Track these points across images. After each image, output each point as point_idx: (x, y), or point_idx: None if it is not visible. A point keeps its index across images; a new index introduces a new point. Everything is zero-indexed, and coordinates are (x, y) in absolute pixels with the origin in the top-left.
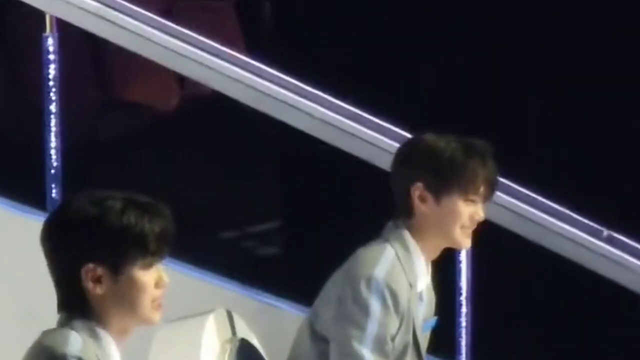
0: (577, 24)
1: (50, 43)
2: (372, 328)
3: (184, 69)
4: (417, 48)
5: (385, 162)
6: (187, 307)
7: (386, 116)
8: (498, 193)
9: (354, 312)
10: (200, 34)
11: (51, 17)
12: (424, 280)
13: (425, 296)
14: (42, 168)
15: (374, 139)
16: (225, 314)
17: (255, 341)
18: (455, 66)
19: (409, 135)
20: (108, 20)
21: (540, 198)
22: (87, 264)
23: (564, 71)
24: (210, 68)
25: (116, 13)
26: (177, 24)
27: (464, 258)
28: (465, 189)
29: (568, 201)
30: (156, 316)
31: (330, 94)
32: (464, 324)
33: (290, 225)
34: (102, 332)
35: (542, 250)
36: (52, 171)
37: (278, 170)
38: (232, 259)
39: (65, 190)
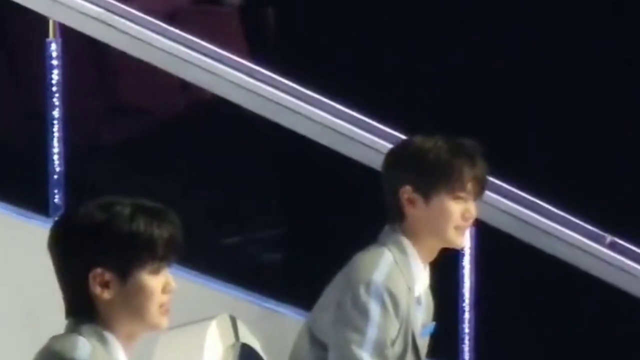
0: (578, 25)
1: (53, 48)
2: (372, 332)
3: (187, 74)
4: (418, 52)
5: None
6: (190, 313)
7: (387, 120)
8: (501, 198)
9: (354, 316)
10: (203, 39)
11: (54, 22)
12: (422, 284)
13: (423, 300)
14: (44, 173)
15: (375, 143)
16: (228, 320)
17: (258, 346)
18: (455, 70)
19: None
20: (111, 26)
21: (543, 204)
22: (95, 269)
23: (565, 74)
24: (212, 73)
25: (119, 18)
26: (180, 29)
27: (467, 264)
28: (452, 187)
29: (571, 207)
30: (164, 321)
31: (331, 99)
32: (467, 330)
33: (291, 231)
34: (110, 337)
35: (545, 256)
36: (55, 177)
37: (280, 175)
38: (234, 265)
39: (67, 195)
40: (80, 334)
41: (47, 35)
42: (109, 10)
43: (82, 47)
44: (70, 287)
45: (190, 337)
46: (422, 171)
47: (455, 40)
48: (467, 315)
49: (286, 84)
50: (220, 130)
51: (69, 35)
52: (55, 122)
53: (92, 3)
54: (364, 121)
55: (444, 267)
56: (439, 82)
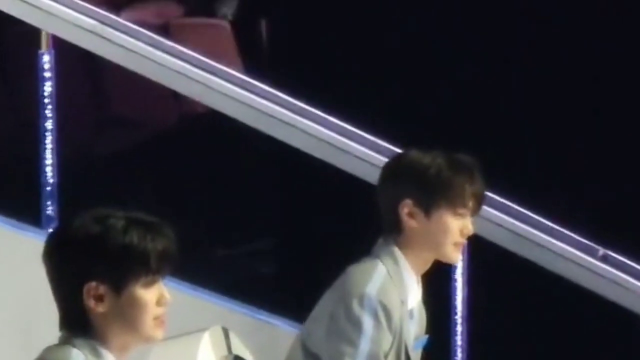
0: (575, 31)
1: (46, 60)
2: (364, 345)
3: (180, 86)
4: (412, 64)
5: None
6: (182, 325)
7: (381, 133)
8: (494, 211)
9: (347, 329)
10: (196, 51)
11: (47, 34)
12: (414, 297)
13: (416, 313)
14: (37, 185)
15: (369, 156)
16: (221, 331)
17: (250, 358)
18: (449, 82)
19: None
20: (104, 38)
21: (536, 216)
22: (89, 282)
23: (560, 87)
24: (206, 86)
25: (112, 30)
26: (173, 42)
27: (459, 276)
28: (454, 203)
29: (564, 220)
30: (158, 334)
31: (326, 112)
32: (459, 342)
33: (284, 243)
34: (103, 350)
35: (537, 268)
36: (48, 188)
37: (273, 188)
38: (227, 277)
39: (61, 207)
40: (74, 346)
41: (40, 47)
42: (102, 23)
43: (75, 59)
44: (64, 299)
45: (182, 349)
46: (423, 186)
47: (449, 54)
48: (459, 328)
49: (279, 97)
50: (213, 143)
51: (62, 47)
52: (48, 133)
53: (85, 15)
54: (358, 134)
55: (437, 279)
56: (433, 95)
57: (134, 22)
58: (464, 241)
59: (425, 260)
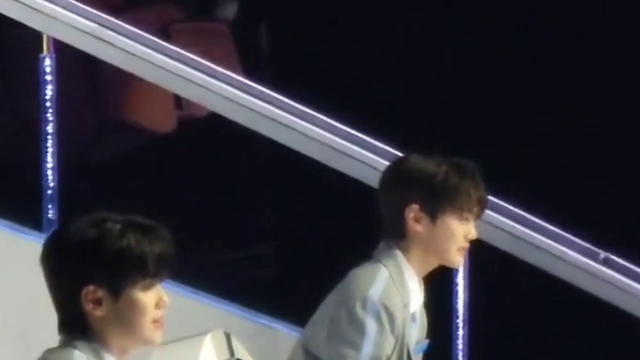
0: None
1: (47, 64)
2: (367, 348)
3: (181, 89)
4: (413, 65)
5: None
6: (184, 328)
7: (382, 137)
8: (495, 215)
9: (350, 332)
10: (196, 54)
11: (48, 37)
12: (417, 300)
13: (418, 317)
14: (38, 188)
15: (370, 159)
16: (222, 335)
17: None
18: (449, 86)
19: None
20: (105, 41)
21: (537, 220)
22: (87, 286)
23: (560, 90)
24: (206, 89)
25: (113, 34)
26: (173, 45)
27: (460, 280)
28: (460, 209)
29: (565, 223)
30: (157, 336)
31: (326, 115)
32: (460, 346)
33: (285, 247)
34: (104, 352)
35: (539, 272)
36: (49, 192)
37: (274, 192)
38: (228, 281)
39: (61, 210)
40: (75, 348)
41: (41, 51)
42: (103, 26)
43: (76, 63)
44: (62, 303)
45: (184, 352)
46: (431, 191)
47: (448, 55)
48: (460, 332)
49: (279, 99)
50: (214, 146)
51: (63, 50)
52: (49, 137)
53: (86, 18)
54: (358, 137)
55: (438, 283)
56: (433, 97)
57: (134, 25)
58: (467, 245)
59: (428, 265)
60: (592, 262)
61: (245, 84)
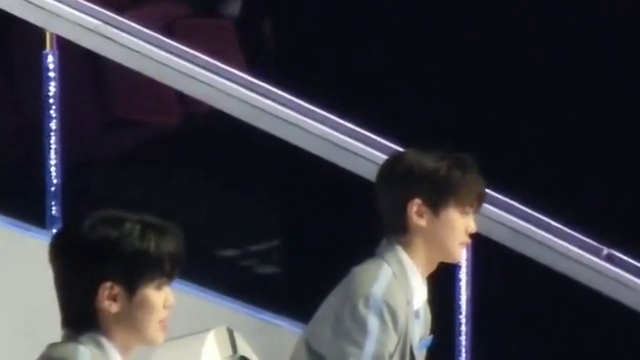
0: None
1: (50, 60)
2: (370, 346)
3: (184, 86)
4: (415, 62)
5: None
6: (187, 325)
7: (385, 133)
8: (498, 211)
9: (352, 329)
10: (200, 51)
11: (51, 34)
12: (420, 297)
13: (421, 314)
14: (42, 185)
15: (374, 156)
16: (225, 332)
17: (255, 359)
18: (449, 81)
19: None
20: (108, 38)
21: (539, 216)
22: (105, 283)
23: (561, 85)
24: (209, 85)
25: (116, 30)
26: (177, 42)
27: (463, 276)
28: (462, 203)
29: (568, 219)
30: (161, 337)
31: (329, 111)
32: (464, 342)
33: (289, 244)
34: (108, 346)
35: (542, 268)
36: (52, 189)
37: (277, 188)
38: (232, 277)
39: (65, 208)
40: (80, 343)
41: (44, 47)
42: (106, 23)
43: (79, 60)
44: (74, 299)
45: (187, 349)
46: (434, 186)
47: (449, 51)
48: (463, 328)
49: (283, 96)
50: (217, 143)
51: (66, 47)
52: (52, 134)
53: (89, 15)
54: (362, 133)
55: (441, 279)
56: (435, 93)
57: (138, 22)
58: (469, 240)
59: (430, 261)
60: (595, 258)
61: (249, 81)
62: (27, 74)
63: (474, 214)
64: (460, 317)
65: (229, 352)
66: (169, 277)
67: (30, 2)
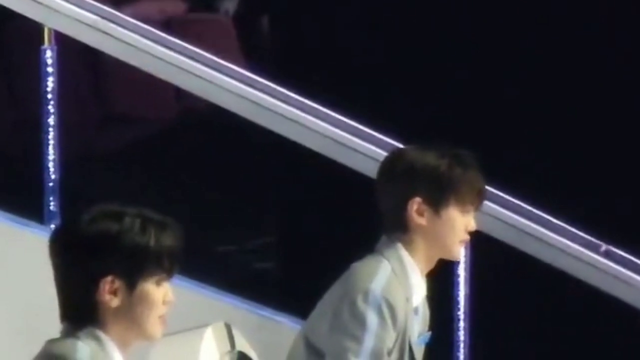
0: (575, 33)
1: (49, 55)
2: (369, 341)
3: (182, 81)
4: (414, 59)
5: None
6: (186, 321)
7: (384, 129)
8: (497, 207)
9: (351, 325)
10: (197, 46)
11: (49, 29)
12: (419, 294)
13: (420, 310)
14: (40, 181)
15: (373, 152)
16: (223, 327)
17: (253, 354)
18: (450, 78)
19: None
20: (105, 33)
21: (538, 212)
22: (106, 277)
23: (562, 82)
24: (207, 81)
25: (114, 25)
26: (175, 37)
27: (461, 272)
28: (463, 201)
29: (566, 215)
30: (159, 332)
31: (327, 107)
32: (462, 338)
33: (287, 239)
34: (106, 340)
35: (540, 264)
36: (50, 184)
37: (276, 184)
38: (230, 273)
39: (63, 203)
40: (78, 338)
41: (42, 43)
42: (104, 18)
43: (77, 55)
44: (74, 293)
45: (186, 344)
46: (435, 184)
47: (449, 48)
48: (462, 324)
49: (281, 92)
50: (215, 139)
51: (64, 42)
52: (51, 129)
53: (87, 10)
54: (360, 129)
55: (439, 275)
56: (435, 89)
57: (136, 18)
58: (468, 238)
59: (430, 258)
60: (593, 254)
61: (247, 76)
62: (25, 69)
63: (475, 212)
64: (459, 313)
65: (227, 347)
66: (169, 272)
67: None
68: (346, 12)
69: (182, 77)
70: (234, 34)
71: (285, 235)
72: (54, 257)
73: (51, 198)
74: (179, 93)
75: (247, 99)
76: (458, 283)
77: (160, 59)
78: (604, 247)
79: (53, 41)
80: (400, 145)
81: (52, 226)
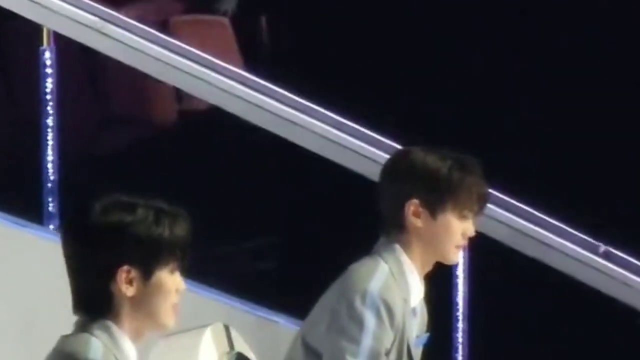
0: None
1: (47, 56)
2: (366, 342)
3: (181, 82)
4: (414, 60)
5: None
6: (185, 321)
7: (382, 130)
8: (495, 208)
9: (349, 326)
10: (196, 48)
11: (48, 30)
12: (417, 295)
13: (418, 311)
14: (39, 182)
15: (373, 154)
16: (222, 328)
17: (252, 355)
18: (450, 80)
19: None
20: (104, 34)
21: (537, 213)
22: (123, 266)
23: (561, 85)
24: (206, 82)
25: (113, 27)
26: (173, 38)
27: (460, 273)
28: (461, 206)
29: (565, 216)
30: (172, 322)
31: (326, 108)
32: (460, 339)
33: (286, 240)
34: (119, 334)
35: (538, 265)
36: (49, 185)
37: (275, 185)
38: (229, 274)
39: (62, 204)
40: (92, 334)
41: (41, 44)
42: (103, 19)
43: (76, 56)
44: (88, 283)
45: (184, 345)
46: (433, 187)
47: (449, 48)
48: (460, 325)
49: (280, 93)
50: (214, 139)
51: (63, 43)
52: (49, 130)
53: (86, 11)
54: (359, 130)
55: (438, 276)
56: (435, 91)
57: (135, 19)
58: (465, 243)
59: (426, 260)
60: (592, 255)
61: (246, 77)
62: (24, 70)
63: (475, 218)
64: (457, 314)
65: (226, 348)
66: (182, 261)
67: None
68: (346, 12)
69: (180, 78)
70: (234, 35)
71: (284, 236)
72: (67, 247)
73: (50, 199)
74: (179, 93)
75: (245, 100)
76: (457, 284)
77: (159, 59)
78: (603, 248)
79: (52, 42)
80: (398, 146)
81: (51, 227)
